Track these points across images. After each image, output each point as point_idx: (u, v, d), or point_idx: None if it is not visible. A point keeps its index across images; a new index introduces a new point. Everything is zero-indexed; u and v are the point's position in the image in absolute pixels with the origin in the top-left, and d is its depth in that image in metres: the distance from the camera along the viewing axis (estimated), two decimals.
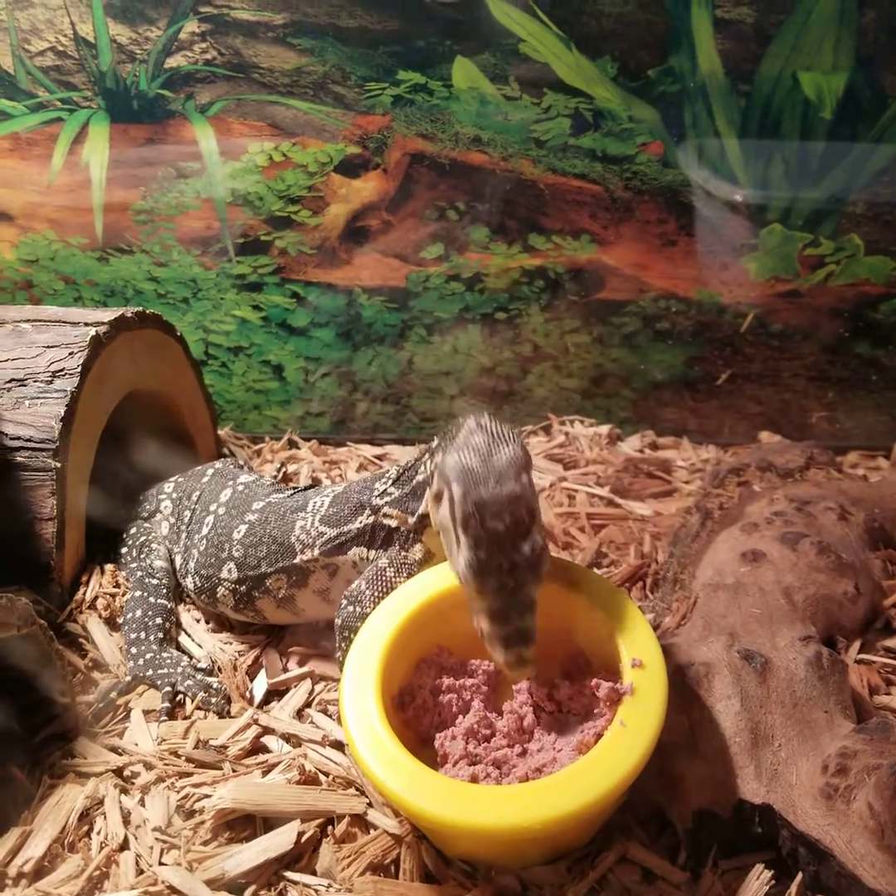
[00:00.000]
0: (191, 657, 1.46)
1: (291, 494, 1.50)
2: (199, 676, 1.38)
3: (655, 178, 1.90)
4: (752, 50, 1.78)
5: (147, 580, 1.51)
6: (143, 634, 1.43)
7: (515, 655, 1.05)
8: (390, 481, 1.36)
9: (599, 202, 1.94)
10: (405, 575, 1.29)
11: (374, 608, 1.22)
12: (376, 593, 1.27)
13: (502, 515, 1.04)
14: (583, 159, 1.89)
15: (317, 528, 1.40)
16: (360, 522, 1.36)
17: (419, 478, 1.31)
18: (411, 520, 1.32)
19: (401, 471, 1.36)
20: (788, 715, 1.11)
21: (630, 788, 1.01)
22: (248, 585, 1.44)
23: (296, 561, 1.41)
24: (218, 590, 1.47)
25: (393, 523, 1.34)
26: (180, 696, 1.36)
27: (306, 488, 1.52)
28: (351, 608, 1.28)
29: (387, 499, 1.35)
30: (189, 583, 1.53)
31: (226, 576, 1.46)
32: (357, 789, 1.17)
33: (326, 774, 1.19)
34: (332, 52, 1.81)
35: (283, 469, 2.00)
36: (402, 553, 1.32)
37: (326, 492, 1.46)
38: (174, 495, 1.64)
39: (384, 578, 1.29)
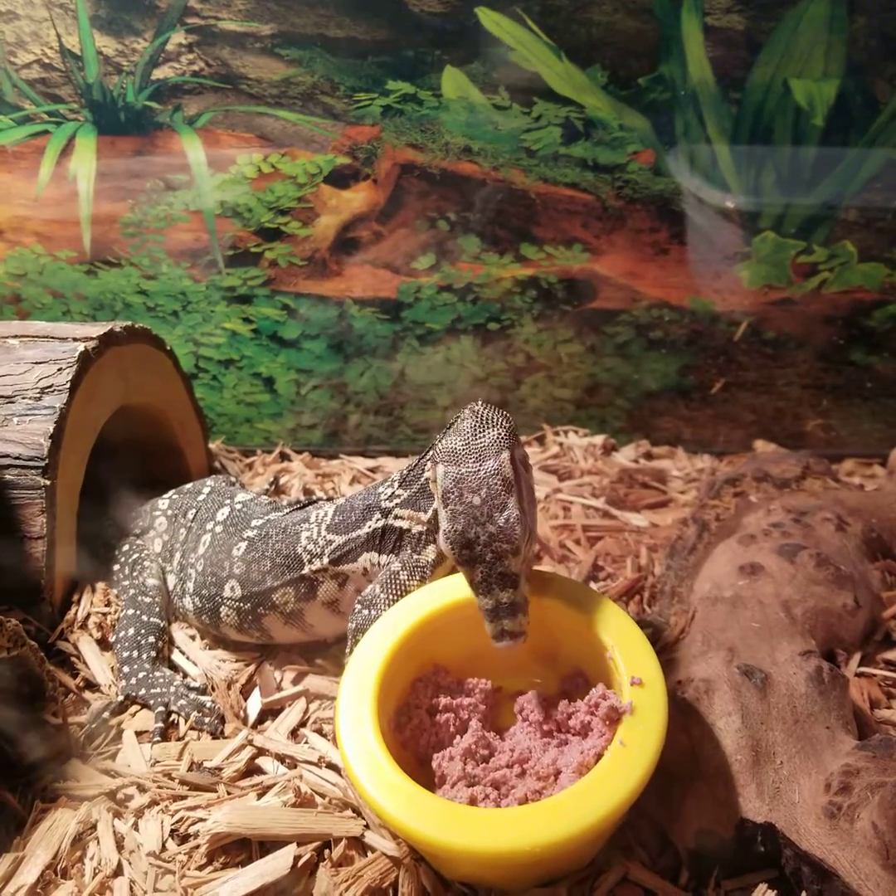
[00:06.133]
0: (184, 675, 1.45)
1: (290, 511, 1.49)
2: (192, 696, 1.36)
3: (647, 186, 1.90)
4: (743, 57, 1.78)
5: (140, 598, 1.50)
6: (135, 653, 1.42)
7: (499, 628, 1.08)
8: (396, 484, 1.36)
9: (591, 211, 1.93)
10: (418, 578, 1.29)
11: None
12: (390, 597, 1.28)
13: (479, 490, 1.10)
14: (574, 168, 1.88)
15: (324, 536, 1.39)
16: (370, 527, 1.36)
17: (427, 474, 1.30)
18: (425, 517, 1.31)
19: (406, 472, 1.36)
20: (790, 731, 1.09)
21: (631, 808, 1.00)
22: (254, 602, 1.42)
23: (304, 572, 1.39)
24: (221, 609, 1.45)
25: (404, 524, 1.33)
26: (174, 717, 1.34)
27: (305, 504, 1.51)
28: (366, 612, 1.28)
29: (396, 500, 1.35)
30: (188, 604, 1.51)
31: (229, 594, 1.44)
32: (354, 811, 1.15)
33: (322, 796, 1.18)
34: (320, 63, 1.80)
35: (276, 481, 1.98)
36: (415, 556, 1.31)
37: (327, 505, 1.45)
38: (169, 512, 1.62)
39: (398, 582, 1.29)
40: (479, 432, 1.14)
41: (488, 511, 1.08)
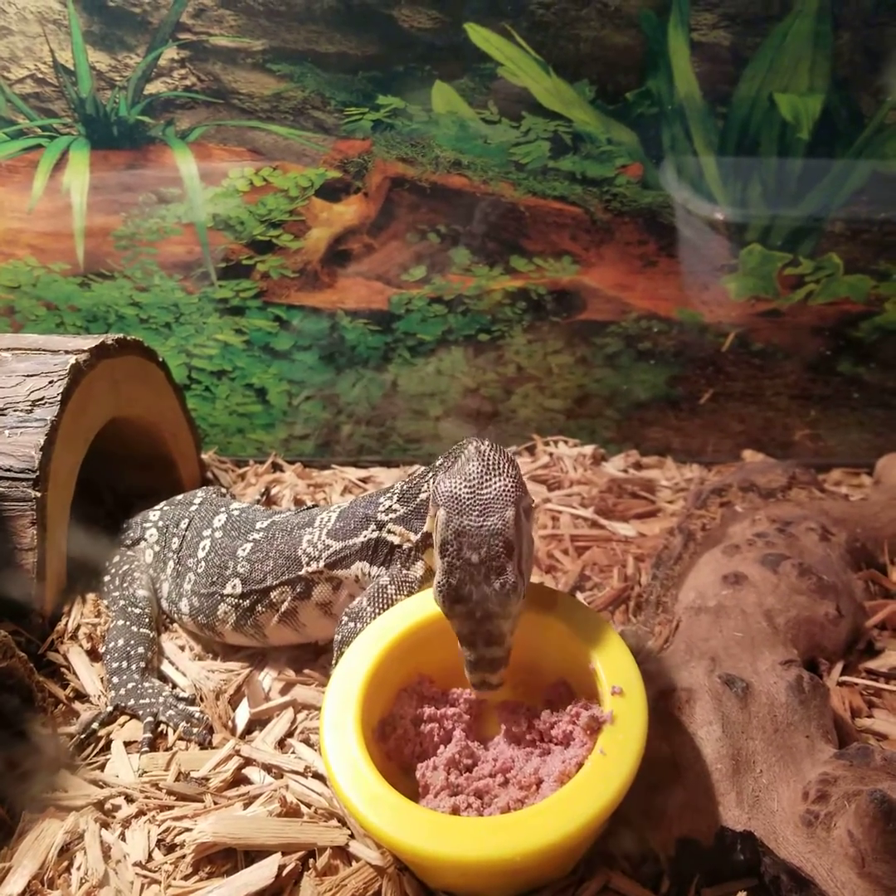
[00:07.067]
0: (173, 686, 1.46)
1: (296, 513, 1.52)
2: (180, 706, 1.37)
3: (635, 199, 1.91)
4: (729, 72, 1.80)
5: (130, 609, 1.51)
6: (124, 664, 1.43)
7: (479, 679, 1.09)
8: (395, 498, 1.38)
9: (580, 224, 1.94)
10: (406, 592, 1.30)
11: None
12: (377, 610, 1.29)
13: (479, 548, 1.06)
14: (562, 182, 1.90)
15: (324, 541, 1.42)
16: (365, 536, 1.38)
17: (423, 496, 1.32)
18: (414, 538, 1.33)
19: (405, 487, 1.37)
20: (770, 740, 1.10)
21: (612, 817, 1.01)
22: (252, 600, 1.45)
23: (301, 573, 1.42)
24: (219, 607, 1.48)
25: (396, 540, 1.35)
26: (162, 727, 1.35)
27: (310, 507, 1.54)
28: (351, 624, 1.30)
29: (391, 515, 1.36)
30: (184, 605, 1.53)
31: (229, 591, 1.47)
32: (339, 820, 1.16)
33: (308, 806, 1.18)
34: (311, 78, 1.82)
35: (267, 492, 2.00)
36: (403, 571, 1.33)
37: (333, 508, 1.47)
38: (160, 523, 1.64)
39: (385, 596, 1.30)
40: (486, 481, 1.09)
41: (486, 572, 1.05)
